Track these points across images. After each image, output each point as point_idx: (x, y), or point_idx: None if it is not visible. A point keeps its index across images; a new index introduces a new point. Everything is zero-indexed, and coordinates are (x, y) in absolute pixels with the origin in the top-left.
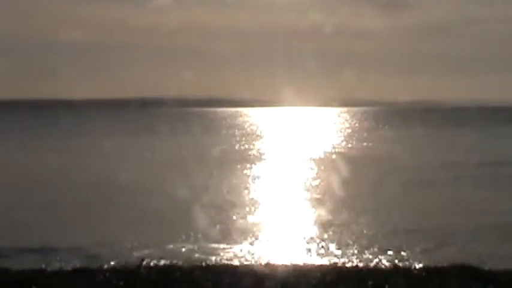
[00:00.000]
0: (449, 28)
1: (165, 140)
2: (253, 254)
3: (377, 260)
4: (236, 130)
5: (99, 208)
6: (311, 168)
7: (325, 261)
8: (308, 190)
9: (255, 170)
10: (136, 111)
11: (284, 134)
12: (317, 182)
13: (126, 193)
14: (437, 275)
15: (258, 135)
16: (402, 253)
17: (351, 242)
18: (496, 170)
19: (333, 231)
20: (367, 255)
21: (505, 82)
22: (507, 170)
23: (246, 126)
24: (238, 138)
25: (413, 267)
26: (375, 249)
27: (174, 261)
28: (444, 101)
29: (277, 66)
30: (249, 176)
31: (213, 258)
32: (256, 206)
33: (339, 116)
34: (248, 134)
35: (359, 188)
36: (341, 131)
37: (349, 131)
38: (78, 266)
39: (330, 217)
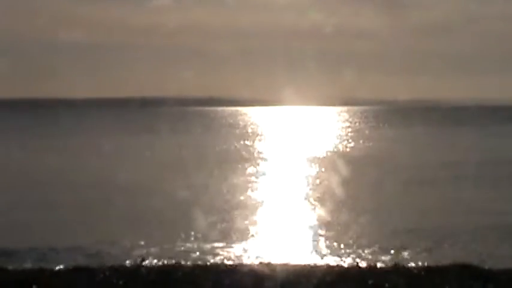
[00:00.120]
0: (450, 27)
1: (166, 139)
2: (253, 254)
3: (377, 259)
4: (236, 129)
5: (100, 208)
6: (311, 168)
7: (325, 260)
8: (308, 189)
9: (255, 169)
10: (137, 111)
11: (284, 133)
12: (317, 181)
13: (126, 193)
14: (437, 274)
15: (258, 135)
16: (402, 252)
17: (351, 242)
18: (496, 169)
19: (333, 231)
20: (367, 254)
21: (505, 81)
22: (507, 169)
23: (246, 126)
24: (238, 138)
25: (413, 266)
26: (375, 249)
27: (175, 261)
28: (444, 100)
29: (277, 65)
30: (249, 175)
31: (213, 258)
32: (256, 205)
33: (339, 115)
34: (248, 134)
35: (359, 187)
36: (341, 130)
37: (349, 130)
38: (78, 265)
39: (330, 216)
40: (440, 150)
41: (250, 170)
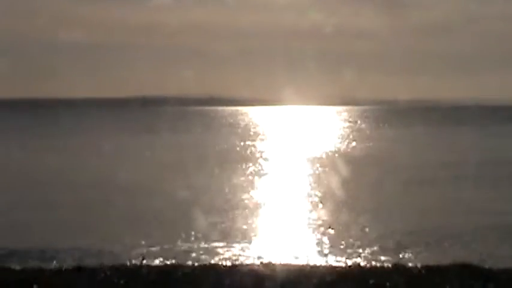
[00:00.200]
0: (450, 27)
1: (166, 138)
2: (253, 254)
3: (378, 258)
4: (236, 129)
5: (100, 207)
6: (311, 168)
7: (325, 260)
8: (308, 189)
9: (256, 169)
10: (137, 110)
11: (284, 132)
12: (317, 181)
13: (127, 193)
14: (437, 274)
15: (258, 134)
16: (403, 252)
17: (351, 241)
18: (496, 169)
19: (334, 231)
20: (368, 254)
21: (505, 81)
22: (507, 169)
23: (246, 125)
24: (238, 137)
25: (413, 266)
26: (376, 248)
27: (175, 261)
28: (444, 99)
29: (277, 65)
30: (249, 175)
31: (214, 257)
32: (256, 205)
33: (339, 115)
34: (248, 133)
35: (359, 187)
36: (341, 130)
37: (349, 129)
38: (78, 264)
39: (331, 216)
40: (441, 150)
41: (251, 169)
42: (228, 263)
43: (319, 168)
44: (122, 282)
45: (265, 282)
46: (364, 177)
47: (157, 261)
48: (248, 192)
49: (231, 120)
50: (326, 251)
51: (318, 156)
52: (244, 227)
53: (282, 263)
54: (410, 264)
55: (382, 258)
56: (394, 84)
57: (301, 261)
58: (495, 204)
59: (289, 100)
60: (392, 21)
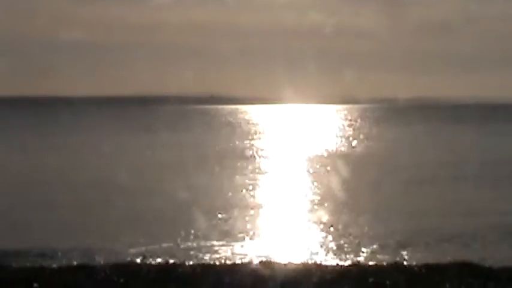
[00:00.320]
0: (450, 26)
1: (166, 137)
2: (253, 253)
3: (377, 257)
4: (236, 127)
5: (100, 207)
6: (311, 166)
7: (325, 259)
8: (308, 188)
9: (255, 168)
10: (138, 109)
11: (284, 131)
12: (317, 180)
13: (127, 192)
14: (437, 272)
15: (258, 133)
16: (402, 250)
17: (351, 240)
18: (496, 168)
19: (333, 229)
20: (368, 252)
21: (505, 80)
22: (507, 167)
23: (246, 124)
24: (239, 136)
25: (413, 264)
26: (375, 247)
27: (175, 259)
28: (444, 98)
29: (277, 64)
30: (249, 174)
31: (214, 257)
32: (256, 204)
33: (339, 113)
34: (249, 132)
35: (359, 186)
36: (341, 129)
37: (349, 128)
38: (78, 263)
39: (330, 215)
40: (440, 149)
41: (250, 168)
42: (228, 262)
43: (319, 167)
44: (121, 280)
45: (264, 281)
46: (364, 176)
47: (157, 260)
48: (248, 191)
49: (231, 119)
50: (326, 250)
51: (318, 155)
52: (244, 226)
53: (282, 261)
54: (410, 263)
55: (382, 256)
56: (394, 82)
57: (301, 260)
58: (495, 204)
59: (289, 99)
60: (392, 20)
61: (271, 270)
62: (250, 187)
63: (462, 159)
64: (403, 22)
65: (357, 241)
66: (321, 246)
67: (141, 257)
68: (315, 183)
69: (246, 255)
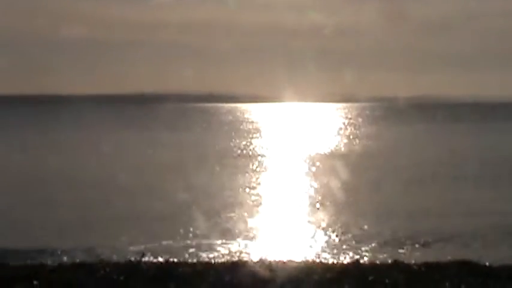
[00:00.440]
0: (449, 25)
1: (166, 136)
2: (253, 252)
3: (377, 255)
4: (236, 126)
5: (100, 205)
6: (311, 166)
7: (325, 257)
8: (308, 187)
9: (255, 167)
10: (138, 107)
11: (284, 130)
12: (317, 179)
13: (127, 190)
14: (437, 271)
15: (258, 131)
16: (402, 249)
17: (350, 238)
18: (495, 167)
19: (333, 228)
20: (367, 251)
21: (505, 78)
22: (507, 166)
23: (246, 122)
24: (238, 135)
25: (413, 262)
26: (375, 245)
27: (175, 258)
28: (444, 97)
29: (277, 62)
30: (249, 173)
31: (214, 255)
32: (256, 203)
33: (339, 112)
34: (248, 130)
35: (359, 185)
36: (341, 127)
37: (349, 126)
38: (78, 261)
39: (330, 214)
40: (440, 148)
41: (250, 167)
42: (228, 261)
43: (319, 166)
44: (121, 278)
45: (264, 280)
46: (363, 175)
47: (157, 258)
48: (247, 190)
49: (231, 117)
50: (326, 249)
51: (318, 153)
52: (244, 224)
53: (282, 260)
54: (409, 261)
55: (382, 255)
56: (394, 81)
57: (301, 259)
58: (495, 203)
59: (289, 97)
60: (392, 19)
61: (271, 269)
62: (250, 186)
63: (462, 158)
64: (403, 21)
65: (356, 239)
66: (321, 245)
67: (141, 255)
68: (315, 182)
69: (246, 253)
